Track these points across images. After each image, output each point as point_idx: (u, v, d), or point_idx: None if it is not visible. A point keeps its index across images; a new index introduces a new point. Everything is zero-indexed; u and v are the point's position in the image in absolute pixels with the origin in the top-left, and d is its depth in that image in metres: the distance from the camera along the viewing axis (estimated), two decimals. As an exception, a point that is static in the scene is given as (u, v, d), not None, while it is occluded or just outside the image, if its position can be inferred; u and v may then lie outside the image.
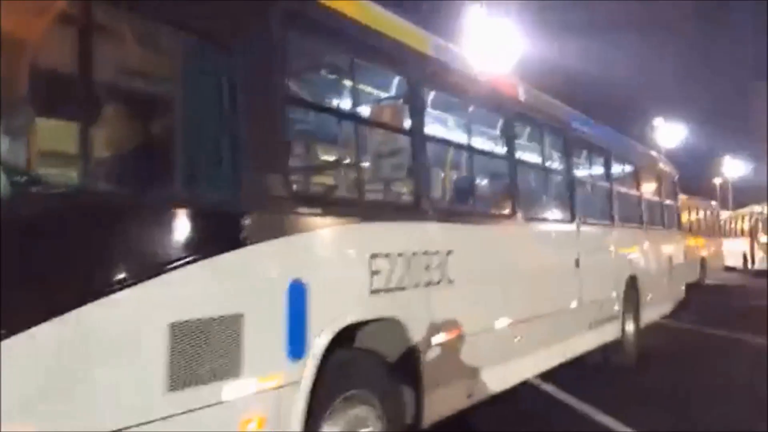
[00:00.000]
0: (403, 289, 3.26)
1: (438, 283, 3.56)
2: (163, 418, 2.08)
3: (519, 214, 4.65)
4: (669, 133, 32.99)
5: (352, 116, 3.34)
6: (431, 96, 3.93)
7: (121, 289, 1.98)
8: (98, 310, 1.92)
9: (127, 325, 2.01)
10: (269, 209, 2.54)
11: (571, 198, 5.71)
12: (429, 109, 3.83)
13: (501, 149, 4.72)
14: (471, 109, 4.38)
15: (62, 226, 1.89)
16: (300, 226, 2.68)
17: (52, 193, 1.91)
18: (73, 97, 1.98)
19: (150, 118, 2.39)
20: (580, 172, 6.34)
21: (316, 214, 2.78)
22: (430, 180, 3.77)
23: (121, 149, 2.35)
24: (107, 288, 1.94)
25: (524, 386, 4.94)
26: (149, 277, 2.06)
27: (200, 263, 2.22)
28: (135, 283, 2.02)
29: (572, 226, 5.65)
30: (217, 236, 2.34)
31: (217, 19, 2.41)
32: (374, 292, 3.06)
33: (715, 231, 19.82)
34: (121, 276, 2.00)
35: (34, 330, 1.75)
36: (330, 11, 2.99)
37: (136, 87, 2.45)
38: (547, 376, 5.50)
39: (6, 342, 1.69)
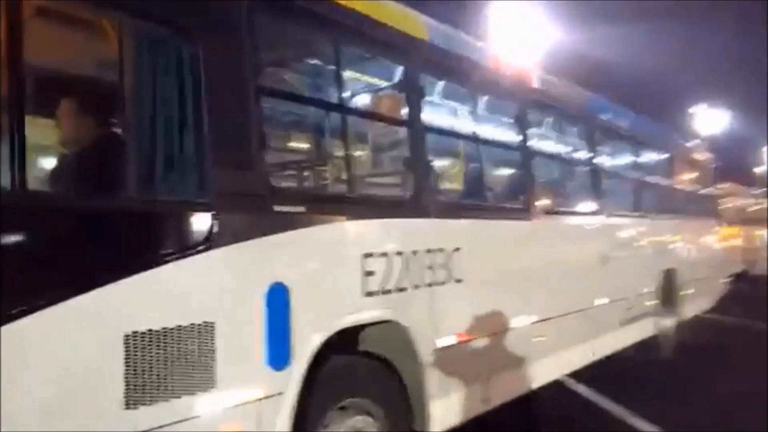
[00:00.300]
0: (403, 290, 3.05)
1: (443, 283, 3.34)
2: None
3: (537, 208, 4.40)
4: (710, 120, 31.82)
5: (340, 107, 3.13)
6: (430, 83, 3.68)
7: (66, 298, 1.82)
8: (42, 321, 1.77)
9: (74, 337, 1.86)
10: (241, 208, 2.36)
11: (598, 189, 5.43)
12: (428, 98, 3.59)
13: (514, 139, 4.45)
14: (478, 96, 4.12)
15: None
16: (280, 226, 2.49)
17: None
18: (24, 93, 1.83)
19: (107, 113, 2.23)
20: (608, 162, 6.04)
21: (298, 213, 2.58)
22: (432, 173, 3.54)
23: (74, 147, 2.21)
24: (51, 297, 1.79)
25: (554, 387, 4.70)
26: (99, 285, 1.90)
27: (160, 269, 2.06)
28: (83, 291, 1.86)
29: (599, 219, 5.36)
30: (180, 238, 2.18)
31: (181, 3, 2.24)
32: (369, 294, 2.86)
33: (760, 219, 18.95)
34: (69, 283, 1.85)
35: None
36: None
37: (92, 81, 2.29)
38: (579, 376, 5.24)
39: None
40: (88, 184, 2.12)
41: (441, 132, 3.84)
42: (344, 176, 3.09)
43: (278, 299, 2.41)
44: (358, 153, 3.35)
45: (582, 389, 5.41)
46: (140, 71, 2.14)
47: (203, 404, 2.15)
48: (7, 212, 1.75)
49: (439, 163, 3.97)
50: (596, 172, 5.48)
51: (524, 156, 4.43)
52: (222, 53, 2.38)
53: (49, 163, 2.25)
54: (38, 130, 2.12)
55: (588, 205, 5.35)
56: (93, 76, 2.28)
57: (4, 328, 1.70)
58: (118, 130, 2.14)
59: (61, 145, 2.25)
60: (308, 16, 2.82)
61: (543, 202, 4.58)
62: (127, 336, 1.94)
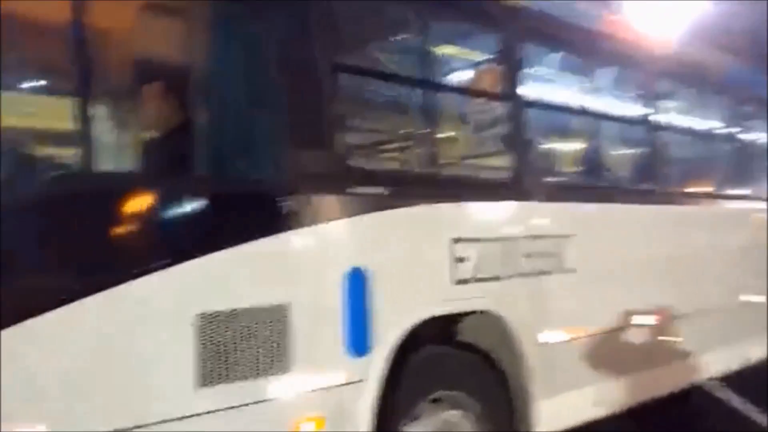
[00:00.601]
0: (500, 279, 2.84)
1: (551, 272, 3.07)
2: (195, 415, 1.94)
3: (670, 190, 3.98)
4: None
5: (426, 82, 2.94)
6: (532, 54, 3.34)
7: (139, 276, 1.86)
8: (114, 298, 1.82)
9: (146, 315, 1.89)
10: (318, 189, 2.29)
11: (745, 169, 4.80)
12: (531, 69, 3.28)
13: (640, 114, 4.01)
14: (594, 67, 3.75)
15: (75, 206, 1.81)
16: (359, 208, 2.39)
17: (74, 174, 1.85)
18: (100, 75, 1.91)
19: (184, 96, 2.25)
20: (760, 139, 5.28)
21: (378, 194, 2.47)
22: (536, 152, 3.26)
23: (149, 129, 2.26)
24: (123, 275, 1.84)
25: (696, 392, 4.30)
26: (172, 264, 1.92)
27: (234, 249, 2.04)
28: (156, 270, 1.89)
29: (747, 203, 4.71)
30: (255, 219, 2.16)
31: None
32: (461, 282, 2.69)
33: None
34: (142, 262, 1.89)
35: (33, 321, 1.68)
36: None
37: (166, 62, 2.33)
38: (726, 381, 4.67)
39: (10, 330, 1.65)
40: (165, 165, 2.17)
41: (548, 107, 3.52)
42: (430, 156, 2.93)
43: (357, 283, 2.33)
44: (445, 132, 3.15)
45: (729, 396, 4.81)
46: (215, 52, 2.15)
47: (278, 387, 2.12)
48: (78, 193, 1.82)
49: (545, 141, 3.66)
50: (744, 149, 4.83)
51: (654, 133, 4.00)
52: (298, 31, 2.33)
53: (121, 145, 2.33)
54: (114, 112, 2.19)
55: (733, 187, 4.75)
56: (169, 59, 2.33)
57: (78, 302, 1.76)
58: (195, 112, 2.16)
59: (134, 127, 2.33)
60: None
61: (677, 184, 4.09)
62: (198, 315, 1.95)
